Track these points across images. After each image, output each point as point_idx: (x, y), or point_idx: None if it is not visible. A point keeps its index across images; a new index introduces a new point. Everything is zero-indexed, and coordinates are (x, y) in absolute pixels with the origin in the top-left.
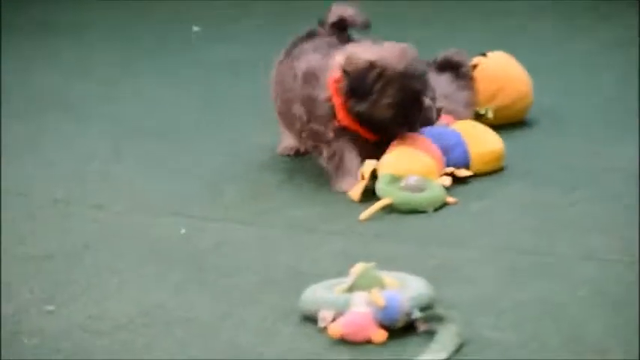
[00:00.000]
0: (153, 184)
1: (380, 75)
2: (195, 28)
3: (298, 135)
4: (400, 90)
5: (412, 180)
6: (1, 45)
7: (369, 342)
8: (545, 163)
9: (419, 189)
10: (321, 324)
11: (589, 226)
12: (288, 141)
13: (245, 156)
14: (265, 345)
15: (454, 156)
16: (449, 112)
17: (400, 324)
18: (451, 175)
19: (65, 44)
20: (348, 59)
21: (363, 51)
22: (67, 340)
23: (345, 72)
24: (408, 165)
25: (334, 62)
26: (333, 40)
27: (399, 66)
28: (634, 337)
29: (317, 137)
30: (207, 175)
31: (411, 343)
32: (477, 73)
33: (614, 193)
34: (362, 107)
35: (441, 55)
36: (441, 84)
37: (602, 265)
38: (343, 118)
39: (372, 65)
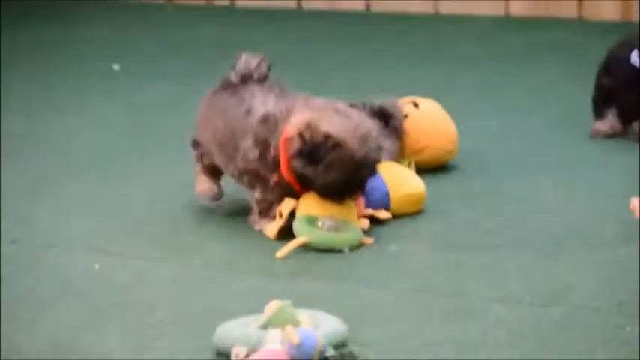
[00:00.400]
0: (70, 221)
1: (334, 149)
2: (116, 66)
3: (235, 169)
4: (349, 170)
5: (328, 221)
6: None
7: None
8: (466, 206)
9: (335, 230)
10: None
11: (505, 268)
12: (204, 185)
13: (167, 194)
14: None
15: (374, 199)
16: None
17: None
18: (370, 217)
19: None
20: (308, 126)
21: (326, 121)
22: None
23: (300, 136)
24: (326, 206)
25: (292, 118)
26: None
27: (357, 150)
28: None
29: (257, 178)
30: (127, 213)
31: None
32: (406, 125)
33: (534, 237)
34: (306, 171)
35: (378, 103)
36: None
37: (516, 307)
38: (285, 173)
39: (328, 139)
